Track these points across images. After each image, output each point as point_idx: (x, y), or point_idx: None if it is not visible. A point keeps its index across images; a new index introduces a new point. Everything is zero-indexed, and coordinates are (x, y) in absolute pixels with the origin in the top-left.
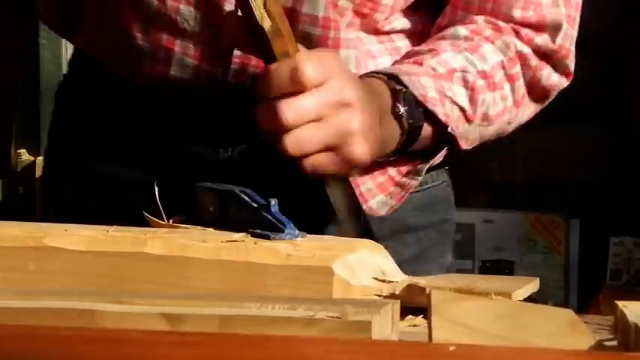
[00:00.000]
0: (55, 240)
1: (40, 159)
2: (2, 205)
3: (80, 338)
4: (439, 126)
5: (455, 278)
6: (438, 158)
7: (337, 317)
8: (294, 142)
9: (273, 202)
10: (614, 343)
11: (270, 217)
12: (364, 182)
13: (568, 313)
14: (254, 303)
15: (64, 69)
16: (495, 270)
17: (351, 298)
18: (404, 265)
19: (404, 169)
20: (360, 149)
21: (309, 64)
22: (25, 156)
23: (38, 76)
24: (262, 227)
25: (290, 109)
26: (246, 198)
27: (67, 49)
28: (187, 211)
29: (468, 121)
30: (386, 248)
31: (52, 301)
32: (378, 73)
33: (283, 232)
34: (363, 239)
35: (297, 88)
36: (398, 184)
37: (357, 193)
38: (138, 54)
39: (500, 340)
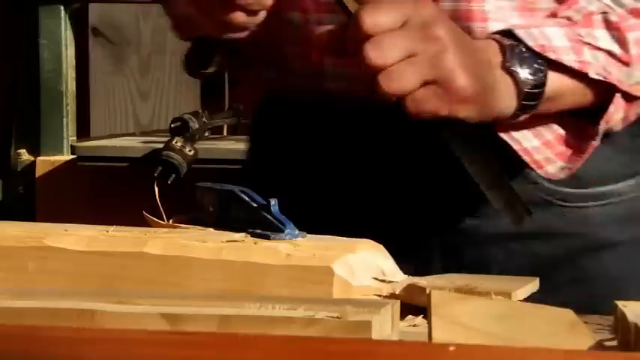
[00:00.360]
0: (55, 240)
1: (40, 159)
2: (2, 205)
3: (80, 338)
4: (591, 79)
5: (455, 278)
6: (616, 115)
7: (337, 317)
8: (389, 80)
9: (273, 202)
10: (614, 343)
11: (270, 217)
12: (536, 149)
13: (568, 314)
14: (254, 303)
15: (64, 69)
16: None
17: (351, 298)
18: (598, 287)
19: (575, 131)
20: (461, 80)
21: (386, 3)
22: (25, 156)
23: (38, 76)
24: (262, 227)
25: (375, 49)
26: (246, 198)
27: (67, 49)
28: (187, 210)
29: (624, 63)
30: (578, 267)
31: (52, 301)
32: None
33: (283, 232)
34: (363, 239)
35: (378, 28)
36: (572, 146)
37: (529, 160)
38: (319, 76)
39: (500, 340)
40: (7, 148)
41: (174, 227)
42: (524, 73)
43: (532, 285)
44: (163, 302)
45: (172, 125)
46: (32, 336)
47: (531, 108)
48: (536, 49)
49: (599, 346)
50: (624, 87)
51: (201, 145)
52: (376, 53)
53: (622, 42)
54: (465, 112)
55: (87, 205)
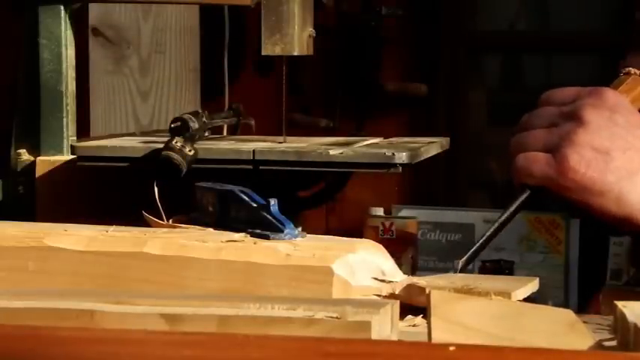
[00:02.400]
0: (54, 240)
1: (40, 159)
2: (2, 205)
3: (80, 338)
4: None
5: (454, 278)
6: None
7: (337, 317)
8: (518, 137)
9: (273, 202)
10: (614, 343)
11: (269, 217)
12: None
13: (568, 314)
14: (253, 303)
15: (64, 69)
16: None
17: (351, 298)
18: None
19: None
20: (576, 159)
21: (564, 89)
22: (25, 156)
23: (38, 76)
24: (262, 227)
25: (530, 115)
26: (246, 198)
27: (67, 49)
28: (187, 210)
29: None
30: None
31: (52, 301)
32: None
33: (283, 232)
34: (364, 239)
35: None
36: None
37: None
38: None
39: (499, 340)
40: (7, 148)
41: (174, 227)
42: None
43: (532, 285)
44: (163, 302)
45: (172, 125)
46: (32, 336)
47: None
48: None
49: (599, 346)
50: None
51: (201, 145)
52: (517, 141)
53: None
54: (570, 192)
55: (87, 205)
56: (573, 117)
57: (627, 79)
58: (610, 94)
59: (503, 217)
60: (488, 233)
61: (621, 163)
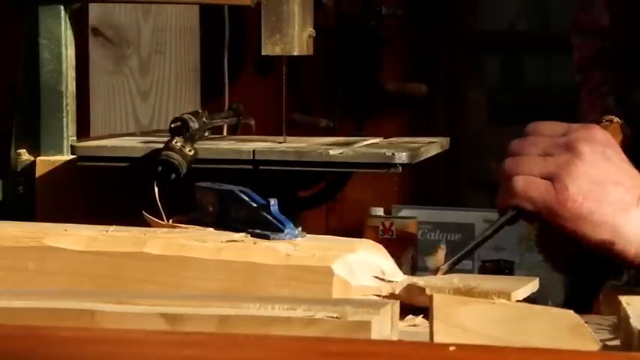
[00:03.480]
0: (54, 240)
1: (40, 159)
2: (2, 205)
3: (80, 338)
4: None
5: (454, 278)
6: None
7: (336, 317)
8: (512, 161)
9: (273, 202)
10: (616, 342)
11: (269, 217)
12: None
13: (570, 316)
14: (253, 303)
15: (64, 69)
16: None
17: (351, 298)
18: None
19: None
20: (574, 189)
21: (552, 122)
22: (25, 156)
23: (38, 76)
24: (262, 227)
25: (521, 141)
26: (246, 198)
27: (67, 49)
28: (187, 210)
29: None
30: None
31: (52, 301)
32: None
33: (283, 232)
34: (363, 239)
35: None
36: None
37: None
38: None
39: (502, 343)
40: (7, 148)
41: (174, 227)
42: None
43: (531, 285)
44: (163, 302)
45: (172, 125)
46: (32, 336)
47: None
48: None
49: (602, 346)
50: None
51: (201, 145)
52: (512, 165)
53: None
54: (564, 221)
55: (87, 205)
56: (569, 148)
57: (609, 126)
58: (600, 132)
59: (487, 233)
60: (469, 247)
61: (616, 197)
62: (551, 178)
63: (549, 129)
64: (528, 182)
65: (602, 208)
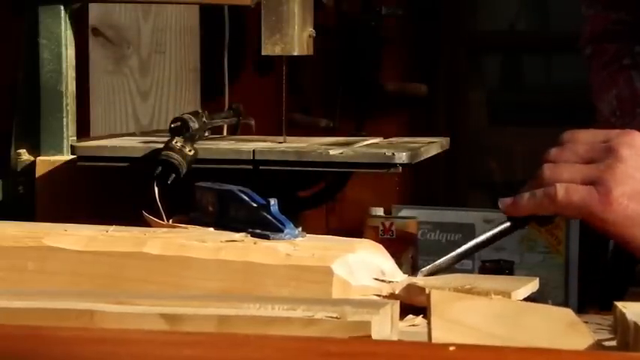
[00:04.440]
0: (54, 240)
1: (40, 159)
2: (2, 205)
3: (80, 338)
4: None
5: (454, 278)
6: None
7: (336, 317)
8: (551, 168)
9: (273, 201)
10: (614, 342)
11: (269, 216)
12: None
13: (568, 314)
14: (253, 303)
15: (64, 69)
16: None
17: (351, 298)
18: None
19: None
20: (619, 191)
21: (589, 130)
22: (25, 156)
23: (38, 76)
24: (262, 227)
25: (559, 149)
26: (246, 198)
27: (67, 49)
28: (187, 210)
29: None
30: None
31: (52, 302)
32: None
33: (283, 232)
34: (363, 239)
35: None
36: None
37: None
38: None
39: (499, 340)
40: (7, 148)
41: (174, 227)
42: None
43: (531, 285)
44: (162, 302)
45: (172, 125)
46: (32, 336)
47: None
48: None
49: (599, 346)
50: None
51: (201, 145)
52: (550, 171)
53: None
54: (609, 225)
55: (87, 205)
56: (610, 153)
57: None
58: (639, 136)
59: (480, 239)
60: (460, 251)
61: None
62: (593, 183)
63: (587, 136)
64: (570, 189)
65: None
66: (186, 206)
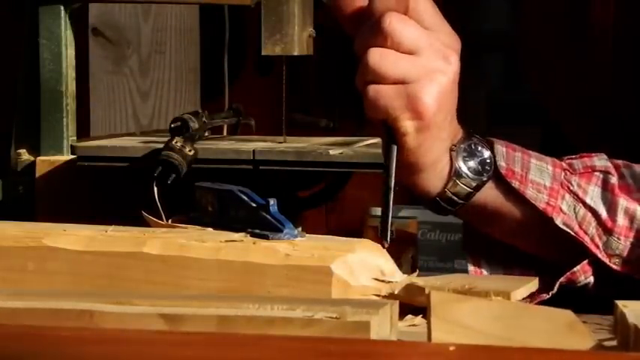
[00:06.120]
0: (54, 240)
1: (40, 159)
2: (2, 205)
3: (79, 338)
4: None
5: (454, 278)
6: (581, 278)
7: (336, 318)
8: (378, 55)
9: (272, 202)
10: (614, 343)
11: (269, 216)
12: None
13: (567, 314)
14: (253, 303)
15: (64, 69)
16: None
17: (350, 298)
18: None
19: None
20: (431, 100)
21: (430, 3)
22: (25, 156)
23: (38, 76)
24: (261, 227)
25: (397, 23)
26: (245, 198)
27: (67, 49)
28: (187, 210)
29: (607, 230)
30: None
31: (51, 302)
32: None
33: (282, 232)
34: (363, 239)
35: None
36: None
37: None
38: None
39: (499, 340)
40: (7, 148)
41: (173, 227)
42: (464, 169)
43: (531, 285)
44: (162, 302)
45: (172, 125)
46: (32, 336)
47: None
48: (503, 171)
49: (599, 346)
50: (597, 252)
51: (201, 145)
52: (376, 60)
53: (612, 206)
54: (409, 126)
55: (87, 205)
56: (444, 57)
57: None
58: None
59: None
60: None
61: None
62: (409, 81)
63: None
64: (378, 90)
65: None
66: (186, 206)
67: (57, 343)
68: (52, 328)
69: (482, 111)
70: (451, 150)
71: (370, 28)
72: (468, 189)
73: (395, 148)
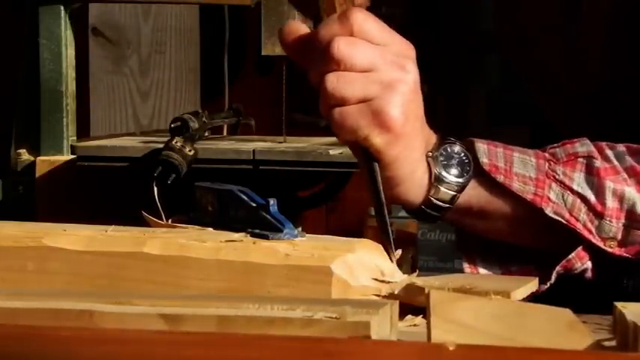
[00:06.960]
0: (53, 240)
1: (40, 159)
2: (2, 205)
3: (79, 338)
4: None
5: (454, 278)
6: (577, 265)
7: (336, 318)
8: (335, 79)
9: (272, 201)
10: (613, 343)
11: (269, 216)
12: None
13: (567, 313)
14: (253, 303)
15: (64, 69)
16: None
17: (350, 298)
18: None
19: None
20: (397, 111)
21: (375, 21)
22: (25, 156)
23: (38, 76)
24: (261, 227)
25: (346, 47)
26: (245, 198)
27: (67, 49)
28: (187, 210)
29: (596, 213)
30: None
31: (51, 302)
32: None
33: (282, 231)
34: (363, 239)
35: (361, 35)
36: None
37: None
38: None
39: (499, 340)
40: (7, 148)
41: (173, 227)
42: (444, 173)
43: (531, 285)
44: (162, 302)
45: (172, 125)
46: (32, 336)
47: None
48: (486, 167)
49: (598, 345)
50: (591, 237)
51: (201, 145)
52: (334, 84)
53: (599, 190)
54: (380, 142)
55: (87, 205)
56: (399, 67)
57: None
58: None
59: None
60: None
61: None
62: (372, 98)
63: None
64: (343, 112)
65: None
66: (186, 206)
67: (57, 343)
68: (52, 328)
69: (482, 111)
70: (427, 156)
71: (321, 56)
72: (451, 192)
73: (376, 165)
